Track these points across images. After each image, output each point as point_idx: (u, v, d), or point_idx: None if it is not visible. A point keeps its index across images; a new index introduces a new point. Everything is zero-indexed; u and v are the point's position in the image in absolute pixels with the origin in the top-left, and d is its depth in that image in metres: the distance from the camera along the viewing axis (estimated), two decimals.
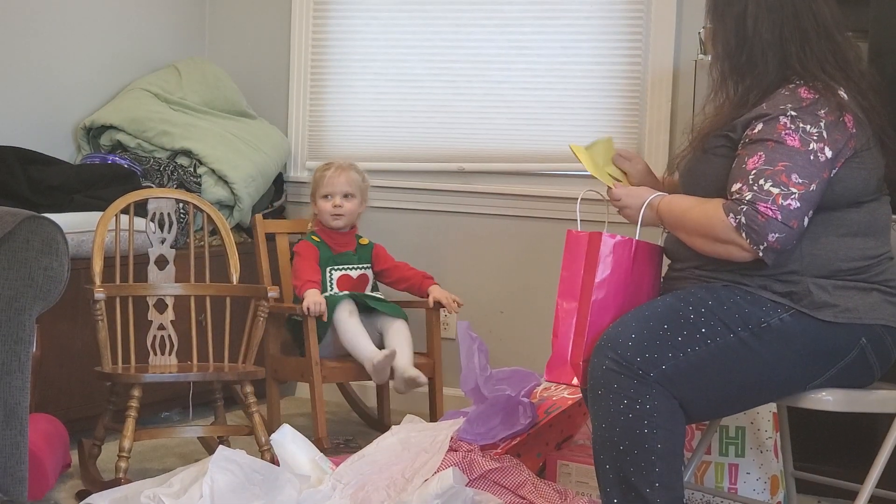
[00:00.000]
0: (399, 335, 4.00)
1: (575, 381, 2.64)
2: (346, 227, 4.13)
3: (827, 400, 2.61)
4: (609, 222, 2.85)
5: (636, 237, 2.67)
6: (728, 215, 2.51)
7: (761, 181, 2.49)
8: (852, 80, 2.64)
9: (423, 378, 3.90)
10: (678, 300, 2.58)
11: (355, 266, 4.13)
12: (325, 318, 3.88)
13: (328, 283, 4.06)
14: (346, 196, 4.09)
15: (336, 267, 4.08)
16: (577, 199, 2.79)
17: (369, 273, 4.16)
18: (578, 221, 2.74)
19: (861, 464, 2.80)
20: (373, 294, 4.14)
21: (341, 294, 4.01)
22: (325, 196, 4.09)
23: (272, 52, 4.86)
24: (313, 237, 4.12)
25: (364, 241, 4.21)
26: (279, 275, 4.15)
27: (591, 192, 2.86)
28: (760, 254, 2.50)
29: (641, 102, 4.26)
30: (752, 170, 2.51)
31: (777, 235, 2.48)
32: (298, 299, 3.92)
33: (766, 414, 3.35)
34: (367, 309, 4.04)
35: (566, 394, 3.59)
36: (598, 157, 2.92)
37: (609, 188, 2.80)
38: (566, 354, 2.63)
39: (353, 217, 4.13)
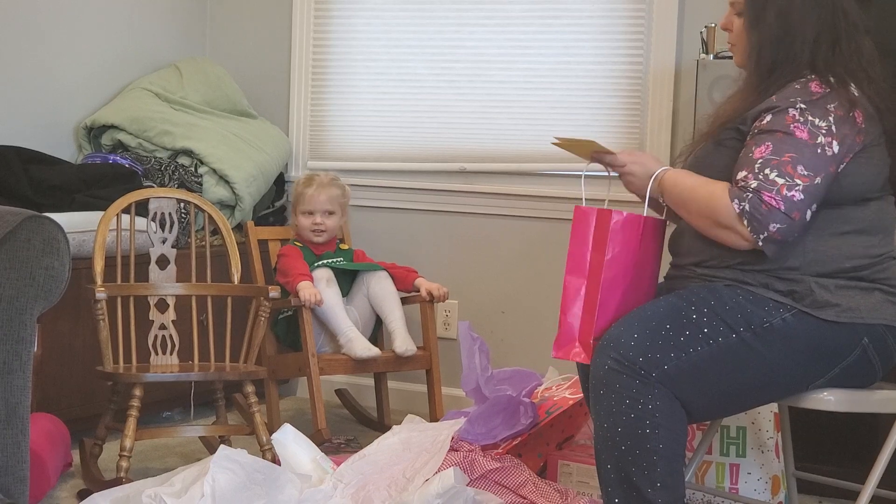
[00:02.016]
0: (389, 299, 4.05)
1: (583, 358, 2.61)
2: (326, 241, 4.16)
3: (829, 400, 2.60)
4: (609, 200, 2.82)
5: (644, 213, 2.66)
6: (732, 200, 2.50)
7: (767, 170, 2.49)
8: (873, 81, 2.64)
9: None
10: (680, 300, 2.58)
11: (339, 259, 4.14)
12: (321, 305, 3.89)
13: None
14: (326, 213, 4.12)
15: (319, 263, 4.07)
16: (581, 174, 2.76)
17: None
18: (584, 198, 2.72)
19: (862, 464, 2.80)
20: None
21: (317, 264, 4.03)
22: (307, 213, 4.12)
23: (273, 52, 4.86)
24: (296, 242, 4.15)
25: (344, 246, 4.24)
26: (272, 279, 4.14)
27: (594, 170, 2.82)
28: (760, 243, 2.50)
29: (643, 102, 4.26)
30: (759, 159, 2.51)
31: (778, 226, 2.48)
32: (287, 293, 3.92)
33: (767, 414, 3.35)
34: (346, 278, 4.08)
35: (567, 394, 3.59)
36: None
37: (614, 153, 2.75)
38: (574, 332, 2.61)
39: (333, 232, 4.17)
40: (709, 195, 2.57)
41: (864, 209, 2.62)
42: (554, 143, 2.80)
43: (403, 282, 4.13)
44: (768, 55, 2.65)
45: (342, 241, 4.24)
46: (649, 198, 2.69)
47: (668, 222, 2.81)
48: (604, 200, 2.78)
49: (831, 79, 2.59)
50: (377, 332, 4.16)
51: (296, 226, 4.17)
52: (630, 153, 2.78)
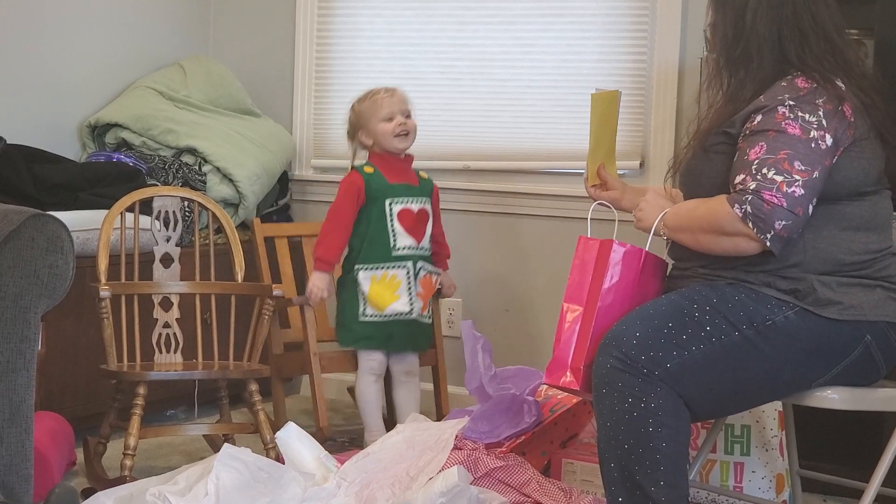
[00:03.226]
0: (410, 396, 3.92)
1: (573, 385, 2.63)
2: (409, 146, 3.90)
3: (832, 398, 2.60)
4: (619, 220, 2.86)
5: (647, 248, 2.67)
6: (733, 206, 2.51)
7: (764, 170, 2.50)
8: (853, 78, 2.65)
9: None
10: (683, 298, 2.58)
11: (416, 198, 3.90)
12: (322, 306, 3.83)
13: (388, 217, 3.84)
14: (406, 114, 3.89)
15: (396, 199, 3.86)
16: (590, 208, 2.82)
17: (429, 208, 3.93)
18: (589, 229, 2.75)
19: (867, 462, 2.80)
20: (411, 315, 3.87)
21: (373, 336, 3.82)
22: (388, 118, 3.84)
23: (277, 50, 4.86)
24: (366, 168, 3.87)
25: (424, 175, 4.00)
26: (279, 277, 4.12)
27: (602, 205, 2.89)
28: (768, 243, 2.50)
29: (647, 100, 4.25)
30: (755, 160, 2.52)
31: (784, 223, 2.48)
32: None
33: (771, 412, 3.35)
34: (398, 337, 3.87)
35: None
36: (602, 127, 2.98)
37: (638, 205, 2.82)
38: (567, 359, 2.63)
39: (414, 135, 3.89)
40: (708, 211, 2.58)
41: (861, 204, 2.62)
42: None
43: (439, 258, 4.00)
44: (728, 54, 2.69)
45: (420, 170, 3.99)
46: (655, 235, 2.71)
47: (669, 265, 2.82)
48: (612, 220, 2.82)
49: (816, 74, 2.60)
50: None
51: (369, 144, 3.89)
52: (650, 202, 2.79)
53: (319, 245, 3.84)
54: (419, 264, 3.86)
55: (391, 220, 3.84)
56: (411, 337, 3.88)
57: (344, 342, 3.90)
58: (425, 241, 3.89)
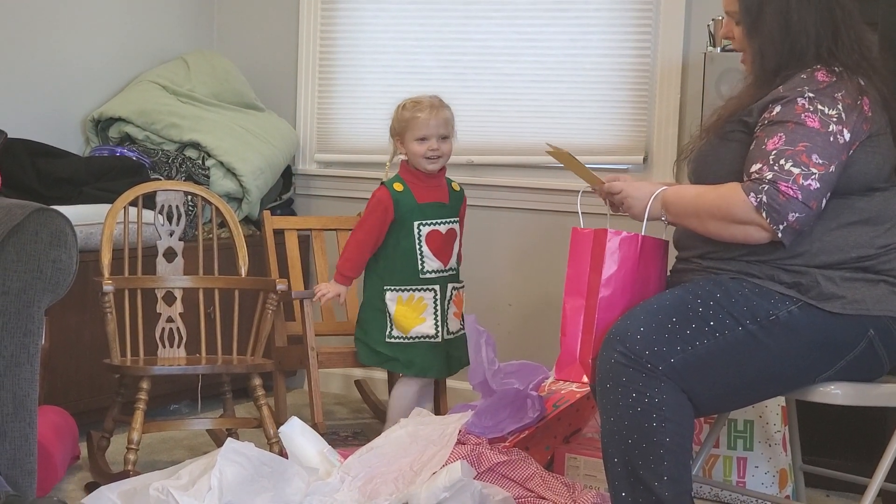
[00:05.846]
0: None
1: (585, 379, 2.64)
2: (440, 168, 3.82)
3: (835, 393, 2.60)
4: (611, 215, 2.84)
5: (642, 232, 2.66)
6: (748, 195, 2.50)
7: (782, 161, 2.49)
8: (878, 70, 2.66)
9: None
10: (686, 293, 2.58)
11: (445, 220, 3.83)
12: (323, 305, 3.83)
13: (417, 239, 3.78)
14: (442, 138, 3.78)
15: (425, 221, 3.78)
16: (578, 193, 2.79)
17: (457, 228, 3.87)
18: (580, 217, 2.74)
19: (870, 458, 2.80)
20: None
21: (398, 358, 3.77)
22: (421, 139, 3.75)
23: (281, 45, 4.86)
24: (395, 185, 3.78)
25: (456, 186, 3.91)
26: (287, 270, 4.12)
27: (589, 188, 2.86)
28: (780, 234, 2.50)
29: (650, 95, 4.25)
30: (773, 150, 2.51)
31: (797, 215, 2.48)
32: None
33: (774, 407, 3.35)
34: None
35: (574, 387, 3.59)
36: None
37: (606, 182, 2.77)
38: (575, 353, 2.63)
39: (447, 158, 3.81)
40: (719, 196, 2.57)
41: (871, 199, 2.62)
42: (548, 152, 2.83)
43: None
44: (772, 58, 2.65)
45: (452, 181, 3.91)
46: (651, 220, 2.69)
47: (668, 243, 2.80)
48: (605, 215, 2.80)
49: (836, 68, 2.60)
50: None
51: (401, 155, 3.84)
52: (624, 179, 2.78)
53: (342, 259, 3.79)
54: (448, 287, 3.82)
55: (419, 243, 3.79)
56: (433, 364, 3.80)
57: (366, 360, 3.84)
58: (452, 262, 3.84)
